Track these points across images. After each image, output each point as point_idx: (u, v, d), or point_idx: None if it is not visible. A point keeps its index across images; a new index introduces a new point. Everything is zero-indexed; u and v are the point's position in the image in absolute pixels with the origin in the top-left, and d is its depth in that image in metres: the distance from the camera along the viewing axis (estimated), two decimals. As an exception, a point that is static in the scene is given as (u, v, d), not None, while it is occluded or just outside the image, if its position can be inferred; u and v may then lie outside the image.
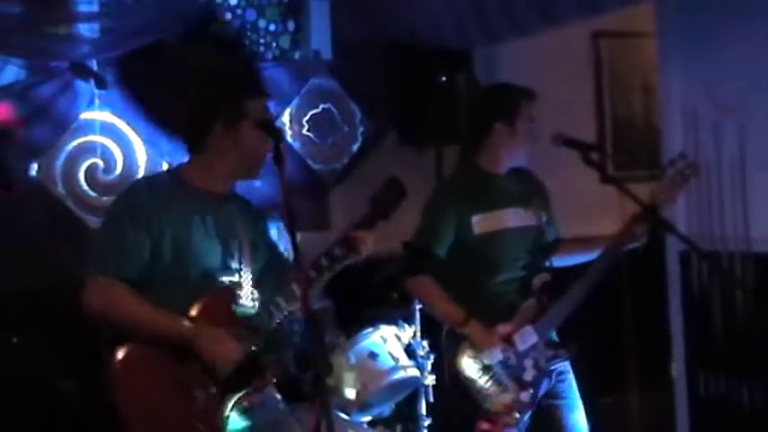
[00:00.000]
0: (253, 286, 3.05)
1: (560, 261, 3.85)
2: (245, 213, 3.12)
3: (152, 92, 4.80)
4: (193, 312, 2.90)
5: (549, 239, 3.84)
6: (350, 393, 4.02)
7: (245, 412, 2.95)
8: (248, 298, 3.02)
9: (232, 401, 2.89)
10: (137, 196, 3.03)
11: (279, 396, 3.16)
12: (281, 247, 3.43)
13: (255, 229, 3.15)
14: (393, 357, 4.11)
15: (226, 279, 3.00)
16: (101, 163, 4.75)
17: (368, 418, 4.20)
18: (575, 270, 3.74)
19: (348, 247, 2.99)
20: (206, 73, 3.27)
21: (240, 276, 3.02)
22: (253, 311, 3.01)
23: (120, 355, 2.86)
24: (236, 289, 3.00)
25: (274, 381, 3.04)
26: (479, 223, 3.67)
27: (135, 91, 4.79)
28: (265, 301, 3.00)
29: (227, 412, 2.88)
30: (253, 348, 2.91)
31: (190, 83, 3.26)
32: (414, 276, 3.74)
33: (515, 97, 3.73)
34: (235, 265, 3.02)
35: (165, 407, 2.84)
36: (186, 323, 2.86)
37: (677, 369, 4.75)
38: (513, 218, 3.74)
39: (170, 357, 2.85)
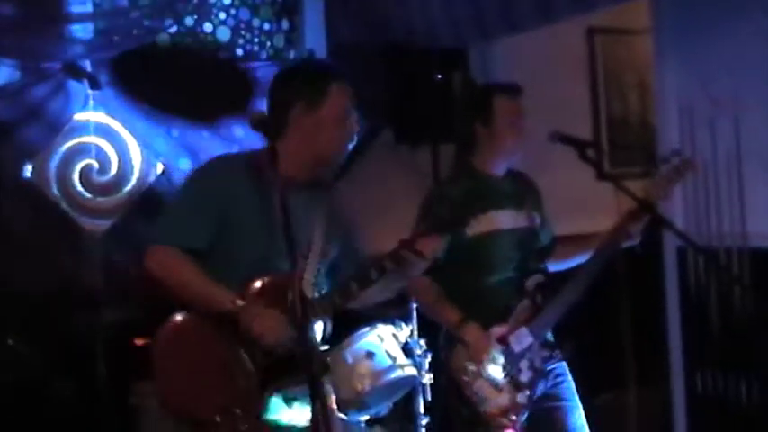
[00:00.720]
0: (316, 278, 3.03)
1: (556, 266, 3.85)
2: (321, 203, 3.09)
3: (153, 90, 4.79)
4: (247, 291, 2.89)
5: (543, 241, 3.84)
6: (347, 393, 4.01)
7: (288, 401, 2.93)
8: (308, 289, 2.98)
9: (273, 389, 2.87)
10: (212, 174, 3.03)
11: None
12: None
13: (335, 221, 3.12)
14: (390, 356, 4.10)
15: (287, 267, 2.88)
16: (95, 164, 4.73)
17: (365, 418, 4.20)
18: (569, 270, 3.75)
19: (411, 252, 2.97)
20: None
21: (303, 265, 2.98)
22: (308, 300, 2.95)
23: (174, 320, 2.89)
24: (294, 277, 2.91)
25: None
26: (473, 225, 3.66)
27: (133, 91, 4.79)
28: (324, 294, 3.00)
29: (267, 400, 2.86)
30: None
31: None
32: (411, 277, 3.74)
33: (491, 96, 3.71)
34: (299, 254, 2.93)
35: (204, 384, 2.83)
36: (238, 300, 2.84)
37: (674, 365, 4.76)
38: (507, 219, 3.73)
39: (219, 335, 2.84)
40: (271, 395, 2.88)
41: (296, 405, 2.94)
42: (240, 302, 2.85)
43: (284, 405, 2.93)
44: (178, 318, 2.91)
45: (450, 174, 3.99)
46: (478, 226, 3.66)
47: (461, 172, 3.83)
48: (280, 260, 2.90)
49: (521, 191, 3.81)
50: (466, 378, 3.59)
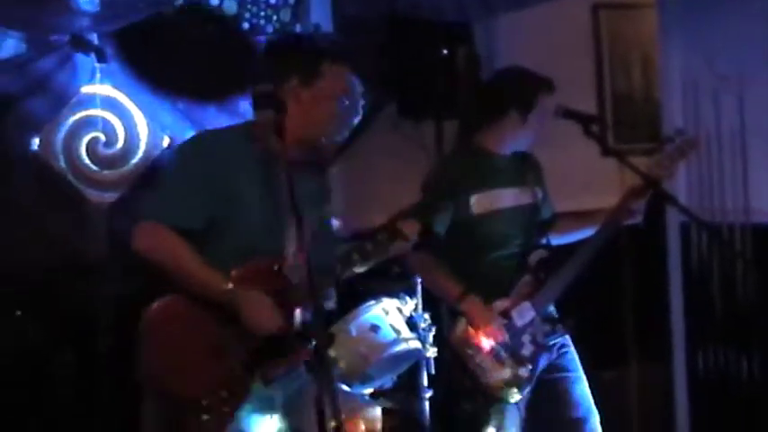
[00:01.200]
0: (301, 256, 2.96)
1: (559, 239, 3.86)
2: (317, 183, 3.09)
3: (159, 63, 4.78)
4: (240, 273, 2.86)
5: (544, 216, 3.85)
6: (351, 365, 4.04)
7: (267, 383, 2.90)
8: (291, 269, 2.93)
9: (260, 373, 2.86)
10: (202, 147, 2.99)
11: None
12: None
13: (326, 200, 3.13)
14: (395, 330, 4.12)
15: (275, 247, 2.92)
16: (102, 137, 4.73)
17: (369, 391, 4.23)
18: (571, 245, 3.76)
19: (394, 234, 2.98)
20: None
21: (286, 245, 2.93)
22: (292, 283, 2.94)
23: (163, 301, 2.85)
24: (280, 259, 2.93)
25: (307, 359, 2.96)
26: (478, 202, 3.67)
27: (139, 64, 4.78)
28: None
29: (253, 383, 2.85)
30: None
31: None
32: (414, 252, 3.75)
33: (535, 89, 3.68)
34: (291, 234, 2.89)
35: (191, 365, 2.81)
36: (228, 283, 2.82)
37: (676, 341, 4.77)
38: (511, 197, 3.73)
39: (209, 317, 2.82)
40: (256, 379, 2.86)
41: (274, 386, 2.92)
42: (230, 285, 2.82)
43: (262, 386, 2.90)
44: (168, 298, 2.86)
45: (453, 149, 3.99)
46: (483, 204, 3.68)
47: (465, 148, 3.84)
48: (279, 235, 2.91)
49: (524, 166, 3.82)
50: (469, 351, 3.61)
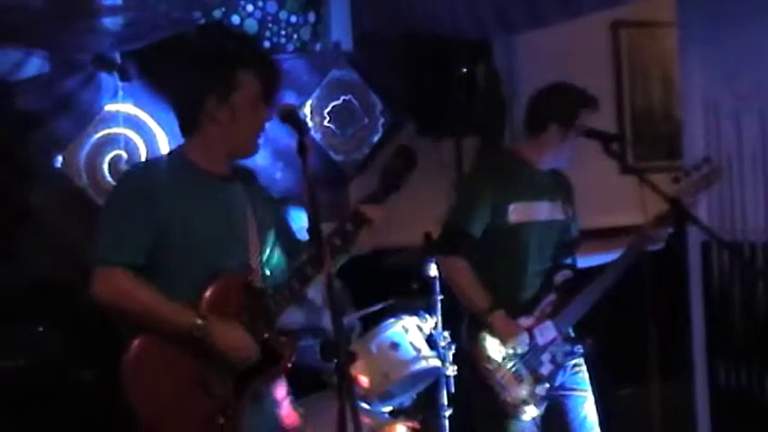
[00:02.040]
0: (263, 268, 2.98)
1: (582, 261, 3.87)
2: (250, 192, 3.00)
3: (168, 81, 4.81)
4: (204, 301, 2.81)
5: (573, 234, 3.86)
6: (372, 383, 4.05)
7: (255, 401, 2.89)
8: (259, 280, 2.93)
9: (250, 390, 2.85)
10: (137, 180, 2.91)
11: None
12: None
13: (263, 207, 3.03)
14: (415, 348, 4.12)
15: (235, 262, 2.90)
16: (124, 155, 4.78)
17: (389, 408, 4.23)
18: (594, 267, 3.78)
19: (358, 221, 2.89)
20: (196, 49, 2.98)
21: (249, 258, 2.92)
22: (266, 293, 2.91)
23: (136, 345, 2.78)
24: (246, 272, 2.90)
25: (289, 365, 2.94)
26: (515, 212, 3.70)
27: (155, 82, 4.82)
28: (279, 282, 2.93)
29: (246, 403, 2.84)
30: (266, 336, 2.85)
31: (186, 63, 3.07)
32: (448, 256, 3.75)
33: (578, 105, 3.72)
34: (243, 246, 2.91)
35: (181, 400, 2.78)
36: (197, 320, 2.75)
37: (697, 358, 4.75)
38: (545, 211, 3.77)
39: (187, 350, 2.77)
40: (247, 396, 2.85)
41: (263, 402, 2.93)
42: (200, 322, 2.75)
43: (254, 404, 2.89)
44: (138, 341, 2.78)
45: (494, 158, 4.02)
46: (519, 214, 3.70)
47: (505, 157, 3.87)
48: (240, 248, 2.90)
49: (557, 183, 3.84)
50: (489, 367, 3.62)
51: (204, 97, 2.83)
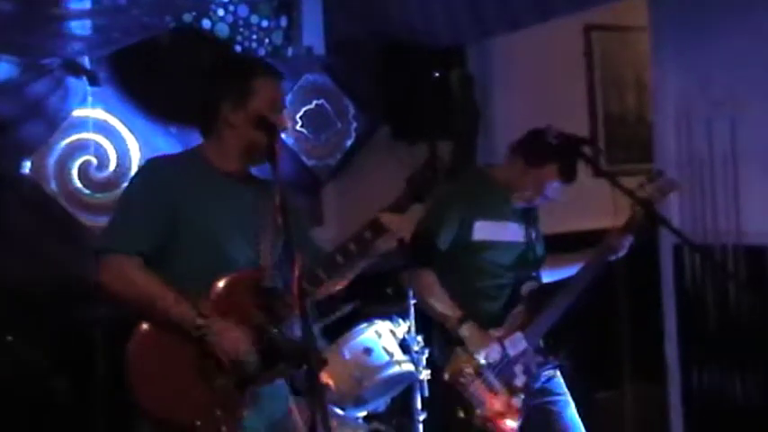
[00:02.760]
0: (275, 268, 2.97)
1: (547, 276, 3.90)
2: (266, 195, 3.01)
3: (151, 87, 4.79)
4: (211, 296, 2.84)
5: (537, 254, 3.87)
6: (345, 388, 4.03)
7: (254, 402, 2.89)
8: (270, 280, 2.93)
9: (252, 387, 2.85)
10: (154, 171, 2.97)
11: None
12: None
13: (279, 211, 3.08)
14: (388, 352, 4.12)
15: (243, 258, 2.92)
16: (94, 160, 4.74)
17: (363, 413, 4.21)
18: (559, 280, 3.83)
19: (377, 229, 2.91)
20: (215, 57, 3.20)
21: (260, 257, 2.94)
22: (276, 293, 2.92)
23: (142, 332, 2.82)
24: (256, 270, 2.92)
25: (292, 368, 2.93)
26: (480, 229, 3.70)
27: (131, 88, 4.79)
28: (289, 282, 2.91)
29: (247, 399, 2.84)
30: (271, 335, 2.85)
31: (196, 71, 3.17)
32: (417, 268, 3.74)
33: (576, 156, 3.69)
34: (253, 244, 2.94)
35: (182, 389, 2.79)
36: (198, 320, 2.78)
37: (671, 361, 4.77)
38: (510, 232, 3.77)
39: (191, 340, 2.79)
40: (249, 393, 2.85)
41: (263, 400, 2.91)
42: (200, 322, 2.78)
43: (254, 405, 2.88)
44: (143, 327, 2.83)
45: (466, 173, 4.04)
46: (484, 232, 3.70)
47: (478, 176, 3.87)
48: (251, 248, 2.93)
49: (525, 207, 3.84)
50: (462, 380, 3.61)
51: (220, 103, 2.94)
